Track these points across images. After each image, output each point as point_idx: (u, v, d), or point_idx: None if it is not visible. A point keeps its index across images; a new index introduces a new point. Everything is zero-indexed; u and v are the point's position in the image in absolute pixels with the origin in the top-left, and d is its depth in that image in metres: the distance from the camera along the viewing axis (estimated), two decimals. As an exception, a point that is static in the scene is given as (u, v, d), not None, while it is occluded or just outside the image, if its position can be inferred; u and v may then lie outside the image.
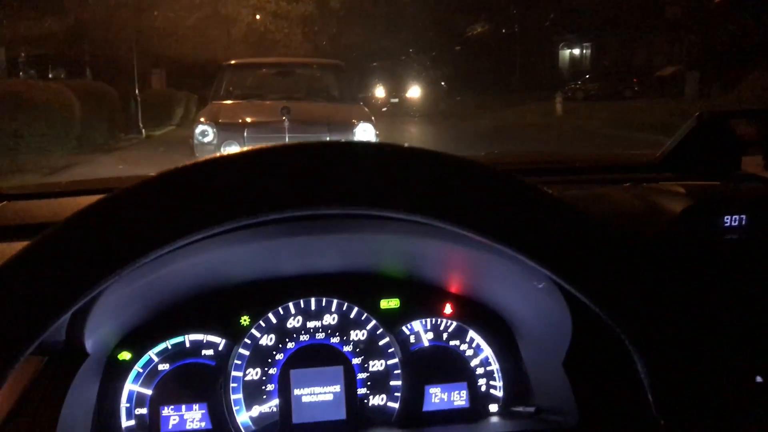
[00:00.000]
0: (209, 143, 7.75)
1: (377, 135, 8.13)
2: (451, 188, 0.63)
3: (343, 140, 0.66)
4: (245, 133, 7.76)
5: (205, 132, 7.86)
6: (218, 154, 0.63)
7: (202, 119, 8.13)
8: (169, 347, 1.21)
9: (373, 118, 8.51)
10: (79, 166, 10.48)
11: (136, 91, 14.67)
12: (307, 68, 10.45)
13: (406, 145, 0.65)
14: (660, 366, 0.68)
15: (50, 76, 16.30)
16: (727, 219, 1.17)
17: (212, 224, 0.61)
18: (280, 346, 1.24)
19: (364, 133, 7.96)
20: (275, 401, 1.20)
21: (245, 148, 0.63)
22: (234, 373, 1.21)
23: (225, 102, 8.71)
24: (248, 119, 8.05)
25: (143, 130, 14.94)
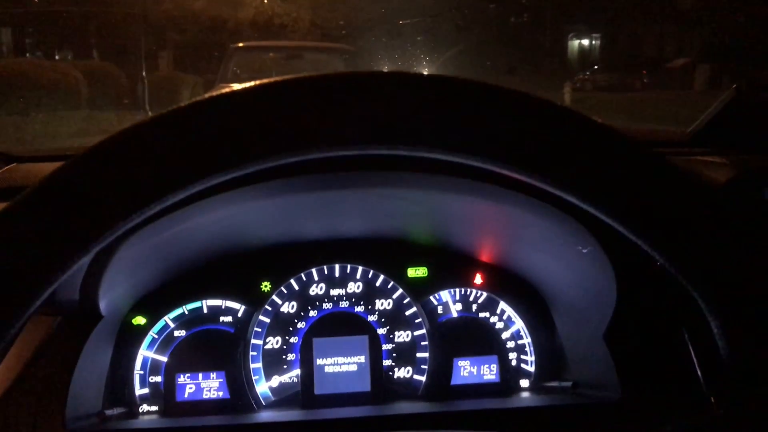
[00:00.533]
0: None
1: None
2: (523, 129, 0.56)
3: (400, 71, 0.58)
4: None
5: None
6: (244, 85, 0.56)
7: None
8: (186, 312, 1.16)
9: None
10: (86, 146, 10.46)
11: (143, 73, 14.62)
12: (315, 52, 10.38)
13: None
14: (737, 331, 0.61)
15: (57, 57, 16.26)
16: None
17: (233, 166, 0.54)
18: (302, 314, 1.18)
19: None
20: (296, 371, 1.15)
21: (263, 81, 0.55)
22: (254, 341, 1.15)
23: (232, 85, 8.62)
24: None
25: (149, 113, 14.88)
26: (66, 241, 0.53)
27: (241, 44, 9.50)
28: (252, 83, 0.55)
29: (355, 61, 9.66)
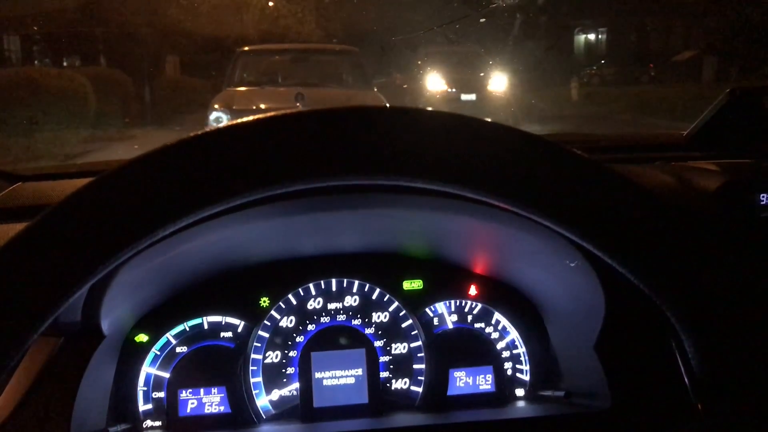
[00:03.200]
0: None
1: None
2: (491, 158, 0.58)
3: (368, 105, 0.61)
4: None
5: (219, 119, 7.84)
6: (242, 120, 0.58)
7: (216, 105, 8.11)
8: (187, 329, 1.18)
9: (387, 105, 8.44)
10: (93, 153, 10.49)
11: (149, 79, 14.69)
12: (321, 54, 10.38)
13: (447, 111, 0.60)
14: (707, 346, 0.63)
15: (64, 63, 16.33)
16: (763, 197, 1.13)
17: (234, 195, 0.57)
18: (301, 328, 1.20)
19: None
20: (296, 385, 1.17)
21: (270, 114, 0.58)
22: (253, 356, 1.18)
23: (239, 88, 8.68)
24: (262, 105, 8.01)
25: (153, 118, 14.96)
26: (70, 269, 0.55)
27: (247, 48, 9.51)
28: (266, 115, 0.58)
29: (362, 62, 9.64)
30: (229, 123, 0.58)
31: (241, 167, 0.57)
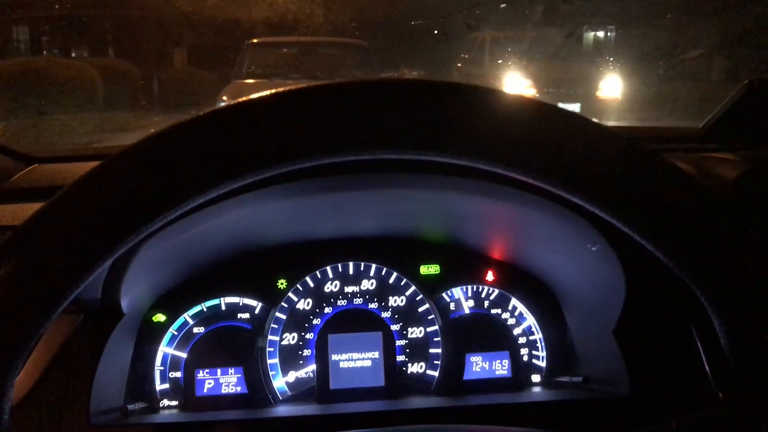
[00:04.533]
0: None
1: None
2: (523, 133, 0.57)
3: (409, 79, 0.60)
4: None
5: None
6: (257, 95, 0.57)
7: (224, 98, 8.11)
8: (205, 310, 1.19)
9: None
10: (101, 143, 10.51)
11: (157, 70, 14.70)
12: (329, 47, 10.38)
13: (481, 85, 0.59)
14: (740, 328, 0.63)
15: (73, 54, 16.36)
16: None
17: (255, 170, 0.56)
18: (318, 310, 1.21)
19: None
20: (312, 367, 1.17)
21: (302, 85, 0.57)
22: (270, 337, 1.18)
23: (247, 81, 8.68)
24: None
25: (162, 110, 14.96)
26: (92, 244, 0.55)
27: (255, 40, 9.51)
28: (278, 90, 0.56)
29: (370, 56, 9.63)
30: (253, 96, 0.57)
31: (263, 142, 0.56)
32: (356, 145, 0.57)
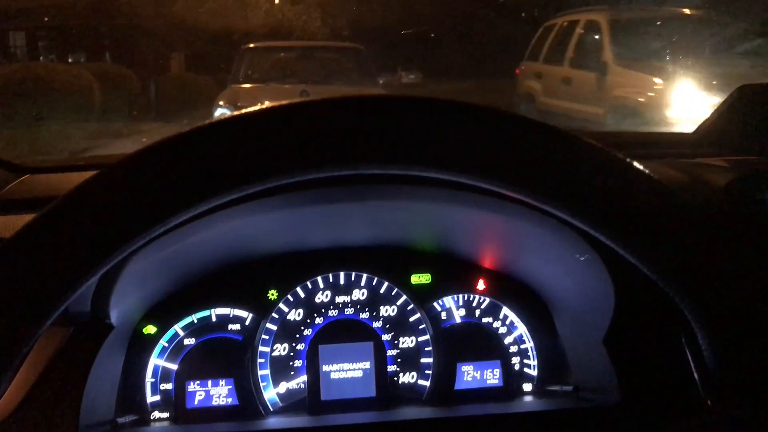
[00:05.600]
0: None
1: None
2: (517, 149, 0.57)
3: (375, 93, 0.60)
4: None
5: (224, 115, 7.85)
6: (246, 110, 0.58)
7: (221, 102, 8.12)
8: (195, 321, 1.19)
9: None
10: (98, 149, 10.50)
11: (155, 75, 14.71)
12: (325, 51, 10.39)
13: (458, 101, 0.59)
14: (722, 339, 0.63)
15: (70, 60, 16.36)
16: None
17: (244, 185, 0.57)
18: (309, 321, 1.20)
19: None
20: (303, 377, 1.17)
21: (277, 103, 0.58)
22: (261, 348, 1.18)
23: (244, 85, 8.69)
24: (267, 103, 7.96)
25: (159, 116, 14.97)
26: (80, 258, 0.55)
27: (252, 45, 9.51)
28: (276, 104, 0.58)
29: (366, 60, 9.63)
30: (241, 112, 0.58)
31: (252, 156, 0.56)
32: (336, 160, 0.58)
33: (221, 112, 7.91)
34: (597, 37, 8.11)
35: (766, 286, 0.62)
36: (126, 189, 0.55)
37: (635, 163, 0.59)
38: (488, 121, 0.58)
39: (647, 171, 0.59)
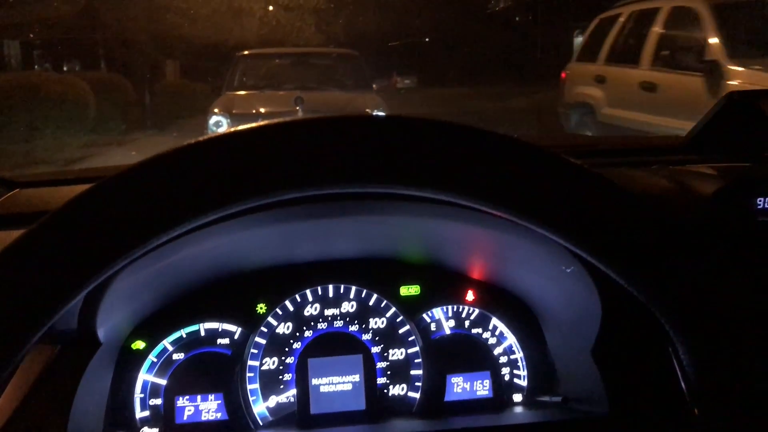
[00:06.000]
0: None
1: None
2: (485, 164, 0.58)
3: (359, 114, 0.61)
4: None
5: (219, 123, 7.86)
6: (232, 129, 0.58)
7: (216, 110, 8.12)
8: (184, 336, 1.18)
9: (383, 111, 8.45)
10: (93, 158, 10.51)
11: (150, 84, 14.73)
12: (320, 58, 10.41)
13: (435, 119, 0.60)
14: (701, 351, 0.63)
15: (65, 68, 16.37)
16: (760, 201, 1.12)
17: (226, 204, 0.57)
18: (298, 334, 1.20)
19: (378, 122, 7.89)
20: (293, 391, 1.17)
21: (260, 123, 0.58)
22: (250, 363, 1.17)
23: (239, 92, 8.70)
24: (262, 109, 8.03)
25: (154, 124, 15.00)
26: (65, 277, 0.56)
27: (246, 52, 9.54)
28: (257, 124, 0.58)
29: (361, 65, 9.64)
30: (221, 132, 0.58)
31: (234, 176, 0.57)
32: (315, 180, 0.58)
33: (216, 119, 7.93)
34: (694, 28, 6.14)
35: (744, 296, 0.62)
36: (112, 207, 0.56)
37: (609, 178, 0.60)
38: (465, 139, 0.59)
39: (619, 184, 0.60)
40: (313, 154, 0.57)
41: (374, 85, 9.82)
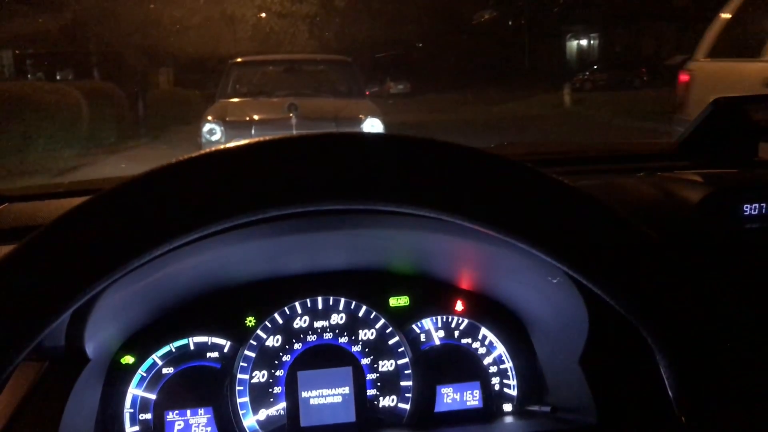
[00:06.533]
0: (217, 141, 7.72)
1: (385, 130, 8.08)
2: (467, 181, 0.58)
3: (349, 131, 0.62)
4: (253, 131, 7.73)
5: (212, 130, 7.85)
6: (219, 147, 0.59)
7: (209, 117, 8.11)
8: (173, 350, 1.18)
9: (380, 112, 8.47)
10: (87, 167, 10.51)
11: (143, 92, 14.72)
12: (313, 64, 10.43)
13: (417, 136, 0.60)
14: (683, 362, 0.64)
15: (58, 77, 16.34)
16: (747, 207, 1.13)
17: (212, 222, 0.58)
18: (287, 347, 1.20)
19: (372, 128, 7.91)
20: (282, 404, 1.17)
21: (248, 140, 0.59)
22: (240, 376, 1.17)
23: (232, 100, 8.70)
24: (256, 117, 8.03)
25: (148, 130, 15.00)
26: (51, 295, 0.56)
27: (239, 59, 9.53)
28: (222, 147, 0.58)
29: (354, 72, 9.66)
30: (204, 151, 0.58)
31: (216, 195, 0.57)
32: (292, 198, 0.59)
33: (209, 126, 7.92)
34: None
35: (728, 306, 0.62)
36: (97, 226, 0.56)
37: (586, 191, 0.60)
38: (442, 155, 0.59)
39: (598, 198, 0.60)
40: (291, 173, 0.58)
41: (367, 92, 9.83)
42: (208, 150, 0.58)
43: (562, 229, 0.59)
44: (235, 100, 8.72)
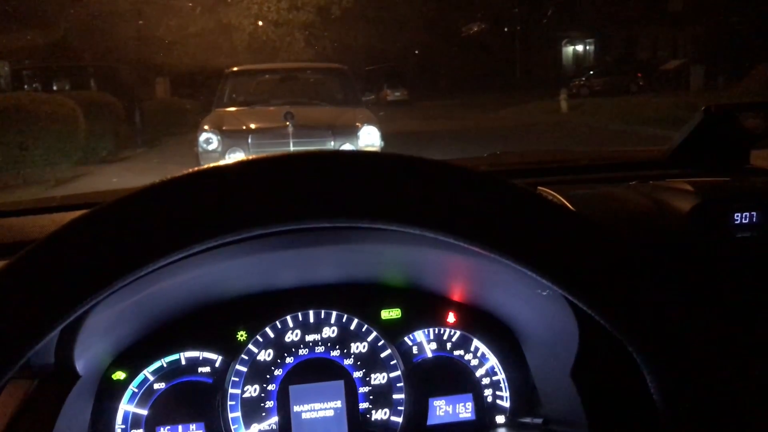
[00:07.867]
0: (213, 151, 7.72)
1: (382, 138, 8.09)
2: (452, 200, 0.59)
3: (337, 149, 0.62)
4: (249, 140, 7.73)
5: (209, 140, 7.85)
6: (209, 165, 0.59)
7: (206, 127, 8.10)
8: (165, 365, 1.18)
9: (377, 121, 8.47)
10: (84, 178, 10.51)
11: (139, 101, 14.73)
12: (310, 73, 10.44)
13: (406, 154, 0.61)
14: (669, 377, 0.64)
15: (54, 88, 16.34)
16: (738, 216, 1.13)
17: (203, 239, 0.58)
18: (279, 361, 1.20)
19: (369, 136, 7.91)
20: (274, 419, 1.16)
21: (236, 159, 0.59)
22: (232, 391, 1.17)
23: (229, 109, 8.69)
24: (252, 126, 8.03)
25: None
26: (39, 313, 0.55)
27: (235, 68, 9.53)
28: (213, 165, 0.58)
29: (350, 80, 9.67)
30: (194, 170, 0.58)
31: (206, 213, 0.57)
32: (280, 216, 0.59)
33: (206, 136, 7.91)
34: None
35: (716, 316, 0.62)
36: (85, 245, 0.56)
37: (566, 205, 0.60)
38: (426, 172, 0.59)
39: (577, 212, 0.60)
40: (279, 191, 0.58)
41: (363, 99, 9.84)
42: (191, 170, 0.58)
43: (542, 243, 0.59)
44: (232, 109, 8.71)
